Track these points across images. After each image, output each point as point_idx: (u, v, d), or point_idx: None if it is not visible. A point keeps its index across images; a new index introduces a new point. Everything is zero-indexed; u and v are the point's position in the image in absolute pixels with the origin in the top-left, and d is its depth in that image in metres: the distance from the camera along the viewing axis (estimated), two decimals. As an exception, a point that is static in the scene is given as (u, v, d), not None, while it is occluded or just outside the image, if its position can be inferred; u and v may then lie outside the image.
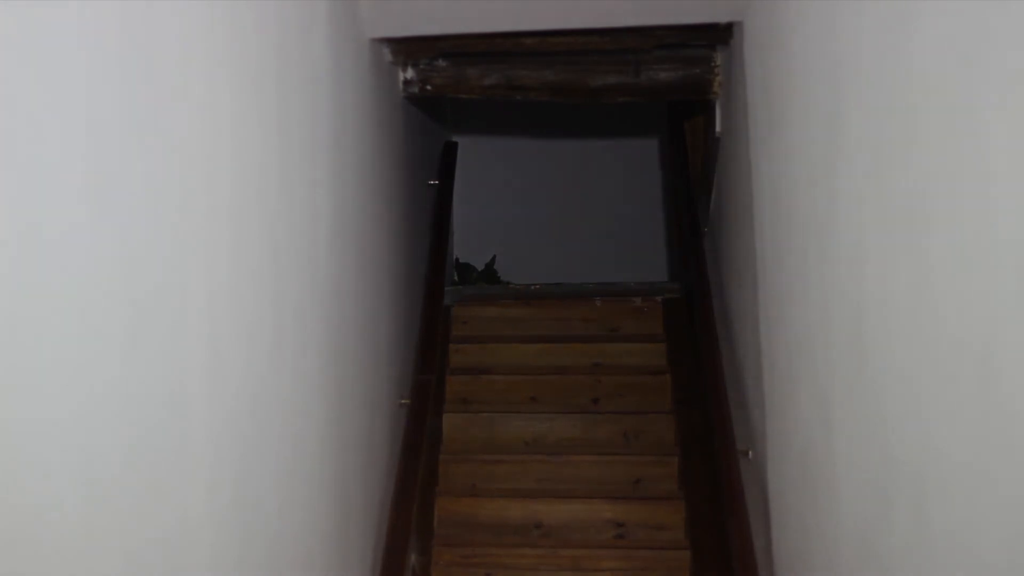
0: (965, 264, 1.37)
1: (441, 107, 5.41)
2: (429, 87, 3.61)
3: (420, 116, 4.41)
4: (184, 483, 1.57)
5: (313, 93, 2.44)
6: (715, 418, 3.42)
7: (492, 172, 6.28)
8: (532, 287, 5.14)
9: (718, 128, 3.64)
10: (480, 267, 6.08)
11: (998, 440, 1.28)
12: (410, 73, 3.59)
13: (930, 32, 1.48)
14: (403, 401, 3.64)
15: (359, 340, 2.96)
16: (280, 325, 2.11)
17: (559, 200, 6.37)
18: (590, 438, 4.21)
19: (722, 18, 3.21)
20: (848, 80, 1.93)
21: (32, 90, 1.12)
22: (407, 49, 3.48)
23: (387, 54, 3.44)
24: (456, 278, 5.87)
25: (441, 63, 3.60)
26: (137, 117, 1.40)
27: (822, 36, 2.13)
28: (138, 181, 1.40)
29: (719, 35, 3.33)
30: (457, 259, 5.99)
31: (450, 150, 5.27)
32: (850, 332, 1.96)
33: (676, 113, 4.86)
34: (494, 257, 6.11)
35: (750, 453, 3.12)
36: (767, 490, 2.88)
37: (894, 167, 1.66)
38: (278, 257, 2.11)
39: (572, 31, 3.31)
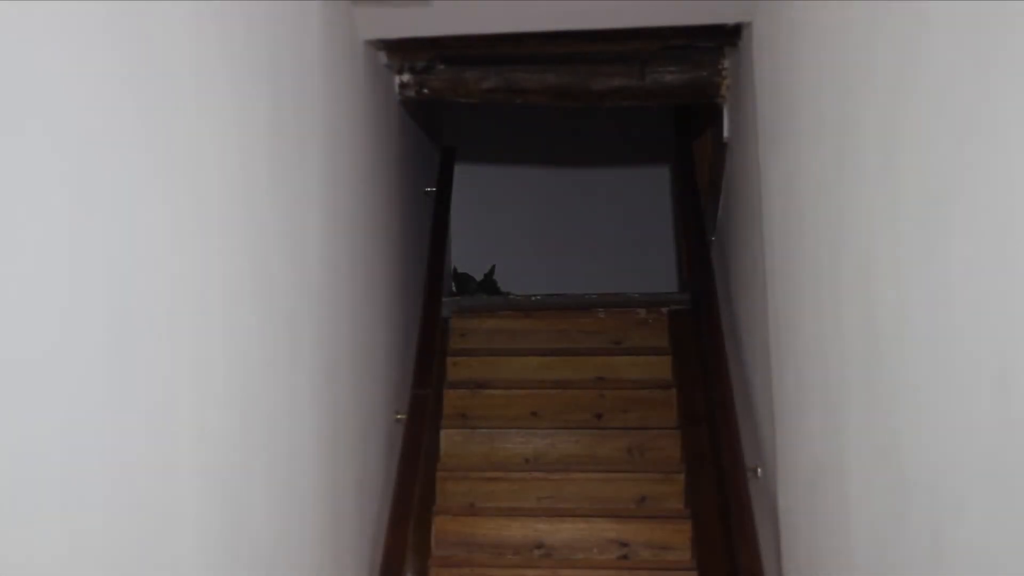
0: (981, 274, 1.35)
1: (440, 112, 5.35)
2: (426, 91, 3.57)
3: (417, 122, 4.35)
4: (172, 499, 1.57)
5: (305, 97, 2.44)
6: (723, 434, 3.42)
7: (491, 178, 6.22)
8: (533, 298, 5.08)
9: (726, 133, 3.60)
10: (479, 277, 6.02)
11: (1016, 455, 1.26)
12: (406, 76, 3.55)
13: (943, 33, 1.47)
14: (399, 416, 3.61)
15: (353, 353, 2.95)
16: (271, 337, 2.11)
17: (561, 207, 6.30)
18: (593, 455, 4.16)
19: (730, 19, 3.20)
20: (859, 82, 1.93)
21: (15, 97, 1.10)
22: (403, 52, 3.46)
23: (383, 57, 3.43)
24: (454, 288, 5.82)
25: (439, 66, 3.54)
26: (123, 126, 1.39)
27: (833, 37, 2.13)
28: (124, 191, 1.39)
29: (727, 37, 3.32)
30: (455, 269, 5.93)
31: (448, 156, 5.21)
32: (862, 344, 1.95)
33: (682, 118, 4.81)
34: (493, 267, 6.05)
35: (759, 470, 3.12)
36: (777, 508, 2.86)
37: (907, 173, 1.65)
38: (268, 267, 2.10)
39: (575, 33, 3.28)
